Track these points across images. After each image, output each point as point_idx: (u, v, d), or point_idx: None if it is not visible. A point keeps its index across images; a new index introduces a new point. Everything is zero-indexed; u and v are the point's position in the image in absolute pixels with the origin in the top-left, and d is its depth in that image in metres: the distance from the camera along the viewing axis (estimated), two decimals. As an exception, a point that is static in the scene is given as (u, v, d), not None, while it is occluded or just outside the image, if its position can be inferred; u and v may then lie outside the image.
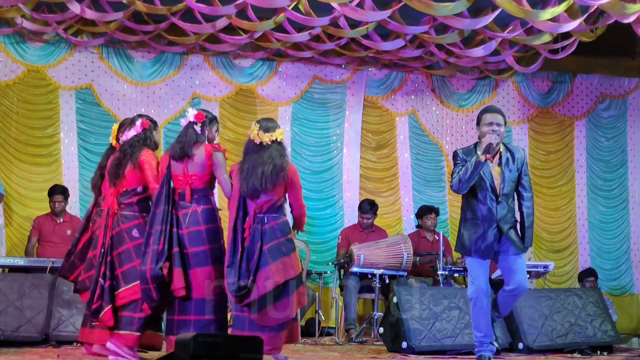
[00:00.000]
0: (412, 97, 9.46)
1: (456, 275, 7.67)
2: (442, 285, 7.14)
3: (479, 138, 4.91)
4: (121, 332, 4.82)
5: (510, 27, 7.46)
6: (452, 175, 4.86)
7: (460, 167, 4.81)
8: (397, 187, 9.28)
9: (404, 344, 5.76)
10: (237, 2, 6.86)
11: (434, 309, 5.97)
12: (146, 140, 5.06)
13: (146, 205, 5.03)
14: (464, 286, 7.70)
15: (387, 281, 7.17)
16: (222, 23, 7.44)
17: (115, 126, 5.43)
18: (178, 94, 8.81)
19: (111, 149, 5.41)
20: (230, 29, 7.80)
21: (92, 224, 5.27)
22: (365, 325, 7.27)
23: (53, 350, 5.64)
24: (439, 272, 7.13)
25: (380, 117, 9.38)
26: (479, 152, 4.76)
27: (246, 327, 4.74)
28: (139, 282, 4.76)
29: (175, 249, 4.76)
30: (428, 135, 9.45)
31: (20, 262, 6.64)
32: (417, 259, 7.68)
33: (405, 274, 7.38)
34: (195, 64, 8.90)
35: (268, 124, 4.92)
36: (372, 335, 7.15)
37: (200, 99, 8.87)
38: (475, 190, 4.83)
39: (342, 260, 7.37)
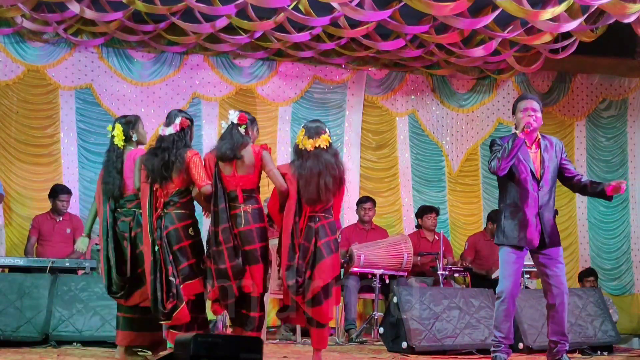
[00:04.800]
0: (412, 97, 9.46)
1: (456, 275, 7.69)
2: (442, 285, 7.15)
3: (515, 127, 4.87)
4: (173, 331, 4.85)
5: (510, 27, 7.45)
6: (489, 162, 4.81)
7: (499, 150, 4.78)
8: (397, 187, 9.28)
9: (404, 344, 5.76)
10: (237, 2, 6.85)
11: (434, 309, 5.97)
12: (186, 139, 5.02)
13: (194, 205, 5.10)
14: (464, 286, 7.72)
15: (387, 281, 7.17)
16: (222, 23, 7.43)
17: (119, 127, 5.17)
18: (178, 94, 8.80)
19: (114, 149, 5.19)
20: (230, 29, 7.79)
21: (119, 227, 5.10)
22: (365, 325, 7.27)
23: (53, 350, 5.63)
24: (439, 272, 7.14)
25: (380, 117, 9.37)
26: (516, 131, 4.75)
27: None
28: (196, 280, 4.84)
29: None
30: (428, 135, 9.44)
31: (20, 262, 6.62)
32: (418, 258, 7.68)
33: (405, 274, 7.37)
34: (195, 64, 8.89)
35: (312, 130, 4.98)
36: (372, 335, 7.15)
37: (200, 99, 8.86)
38: (515, 176, 4.79)
39: (342, 260, 7.36)
